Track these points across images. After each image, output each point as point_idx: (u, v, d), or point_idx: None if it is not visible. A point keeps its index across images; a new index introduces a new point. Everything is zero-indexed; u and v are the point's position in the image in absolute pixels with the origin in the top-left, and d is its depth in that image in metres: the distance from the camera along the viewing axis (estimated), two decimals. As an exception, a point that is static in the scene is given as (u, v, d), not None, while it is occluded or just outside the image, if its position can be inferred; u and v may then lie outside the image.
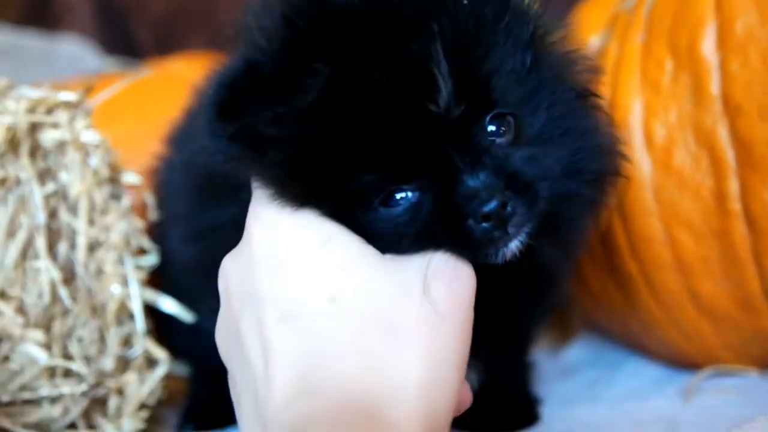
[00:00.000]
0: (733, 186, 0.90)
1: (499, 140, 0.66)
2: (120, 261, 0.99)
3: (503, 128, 0.66)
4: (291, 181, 0.65)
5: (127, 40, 2.08)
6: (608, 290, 1.08)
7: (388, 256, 0.64)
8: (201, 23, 1.96)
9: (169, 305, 1.01)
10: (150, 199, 1.04)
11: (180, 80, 1.14)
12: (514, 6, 0.68)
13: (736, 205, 0.90)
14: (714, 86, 0.90)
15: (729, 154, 0.90)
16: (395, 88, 0.61)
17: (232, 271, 0.67)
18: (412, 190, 0.65)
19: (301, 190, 0.65)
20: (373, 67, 0.61)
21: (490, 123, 0.66)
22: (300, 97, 0.61)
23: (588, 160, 0.71)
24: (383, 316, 0.60)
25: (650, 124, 0.96)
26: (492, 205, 0.62)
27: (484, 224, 0.62)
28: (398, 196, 0.65)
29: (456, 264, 0.65)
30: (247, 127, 0.63)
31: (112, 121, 1.12)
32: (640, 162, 0.96)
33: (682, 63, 0.94)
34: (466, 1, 0.64)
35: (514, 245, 0.65)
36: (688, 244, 0.95)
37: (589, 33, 1.11)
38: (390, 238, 0.65)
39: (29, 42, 1.75)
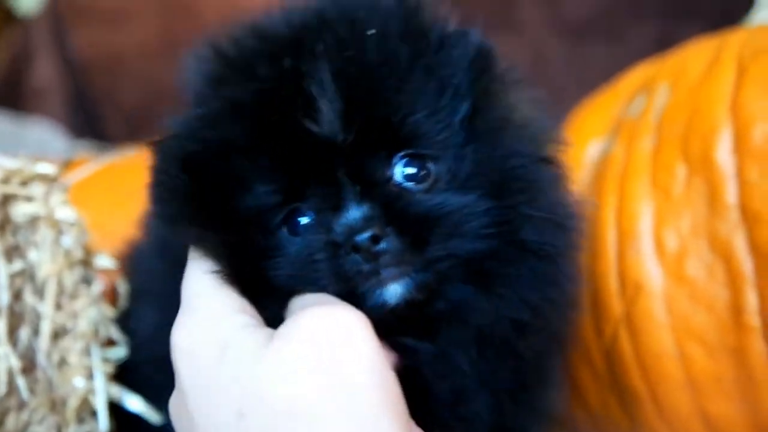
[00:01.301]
0: (751, 299, 0.85)
1: (411, 184, 0.65)
2: (86, 352, 0.90)
3: (423, 172, 0.65)
4: (193, 199, 0.66)
5: (98, 127, 2.03)
6: (609, 407, 1.01)
7: (283, 344, 0.59)
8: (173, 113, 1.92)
9: (135, 404, 0.92)
10: (123, 286, 0.96)
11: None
12: (442, 49, 0.66)
13: (753, 320, 0.85)
14: (730, 194, 0.87)
15: (746, 265, 0.85)
16: (269, 104, 0.61)
17: (173, 410, 0.66)
18: (308, 211, 0.65)
19: (203, 213, 0.66)
20: (254, 81, 0.63)
21: (408, 164, 0.65)
22: (206, 105, 0.65)
23: (522, 227, 0.66)
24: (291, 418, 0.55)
25: (661, 231, 0.92)
26: (363, 236, 0.60)
27: (354, 255, 0.61)
28: (302, 221, 0.65)
29: (334, 319, 0.59)
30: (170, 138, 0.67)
31: (83, 202, 1.04)
32: (650, 271, 0.92)
33: (695, 169, 0.90)
34: (372, 31, 0.63)
35: (394, 290, 0.62)
36: (700, 360, 0.89)
37: (589, 137, 1.09)
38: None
39: (-1, 123, 1.70)
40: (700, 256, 0.89)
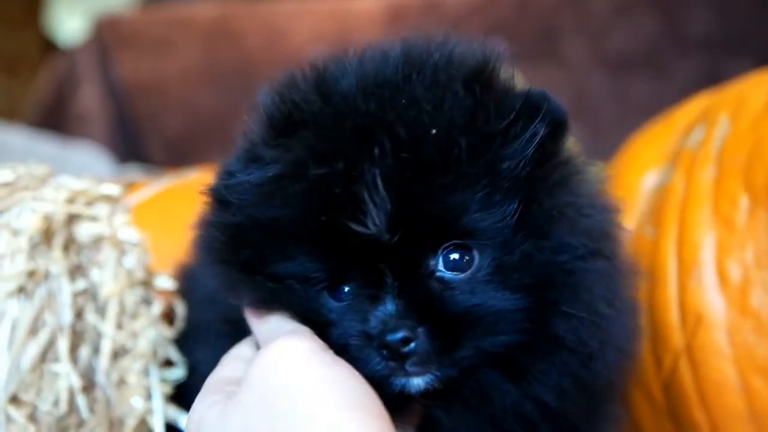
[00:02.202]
0: (818, 332, 0.84)
1: (452, 274, 0.63)
2: (145, 372, 0.90)
3: (466, 260, 0.63)
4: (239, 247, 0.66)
5: (141, 153, 2.06)
6: (667, 440, 1.00)
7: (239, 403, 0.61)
8: (214, 142, 1.94)
9: (190, 426, 0.92)
10: (180, 307, 0.96)
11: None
12: (506, 141, 0.62)
13: (820, 353, 0.84)
14: (795, 225, 0.86)
15: (814, 297, 0.84)
16: (318, 202, 0.61)
17: None
18: (348, 290, 0.65)
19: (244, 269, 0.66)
20: (305, 179, 0.61)
21: (451, 252, 0.63)
22: (258, 173, 0.64)
23: (558, 324, 0.64)
24: None
25: (724, 262, 0.91)
26: (394, 336, 0.60)
27: (383, 351, 0.61)
28: (346, 288, 0.65)
29: (272, 359, 0.61)
30: (218, 190, 0.68)
31: (141, 224, 1.05)
32: (713, 302, 0.91)
33: (758, 200, 0.90)
34: (434, 131, 0.60)
35: (416, 382, 0.62)
36: (764, 393, 0.88)
37: (645, 169, 1.09)
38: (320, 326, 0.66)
39: (43, 146, 1.72)
40: (765, 287, 0.88)
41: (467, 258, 0.63)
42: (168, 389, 0.91)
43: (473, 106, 0.62)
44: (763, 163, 0.91)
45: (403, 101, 0.62)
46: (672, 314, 0.95)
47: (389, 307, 0.62)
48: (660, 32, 1.86)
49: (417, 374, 0.62)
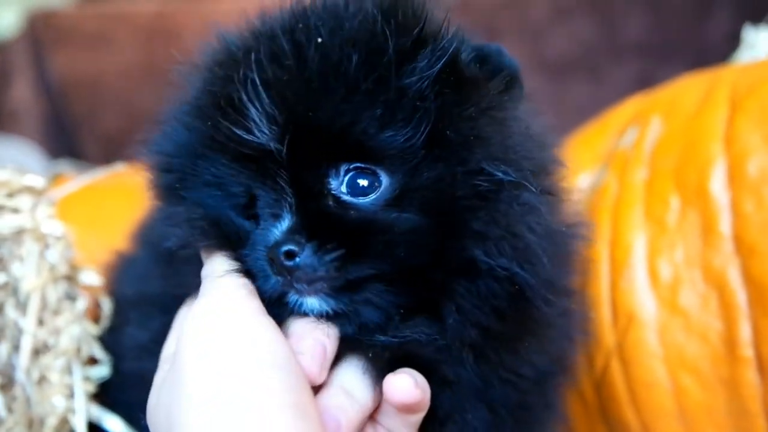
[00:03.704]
0: (745, 331, 0.85)
1: (354, 198, 0.63)
2: (68, 370, 0.87)
3: (367, 185, 0.63)
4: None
5: (75, 149, 2.01)
6: (598, 439, 1.00)
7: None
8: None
9: (114, 425, 0.89)
10: (107, 304, 0.93)
11: (128, 188, 1.07)
12: (406, 59, 0.62)
13: (747, 352, 0.85)
14: (724, 225, 0.87)
15: (740, 297, 0.85)
16: (212, 113, 0.63)
17: None
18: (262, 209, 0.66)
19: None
20: (206, 89, 0.65)
21: (355, 177, 0.63)
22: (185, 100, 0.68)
23: (475, 249, 0.61)
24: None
25: (654, 261, 0.92)
26: (279, 250, 0.61)
27: (274, 267, 0.62)
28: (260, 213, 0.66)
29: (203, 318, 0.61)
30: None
31: (66, 218, 1.02)
32: (643, 301, 0.92)
33: (689, 201, 0.91)
34: (319, 40, 0.62)
35: (310, 302, 0.63)
36: (693, 391, 0.89)
37: (580, 170, 1.09)
38: None
39: (-26, 142, 1.67)
40: (694, 286, 0.89)
41: (375, 183, 0.63)
42: (91, 387, 0.88)
43: (373, 24, 0.63)
44: (693, 164, 0.92)
45: (298, 20, 0.65)
46: (604, 313, 0.95)
47: (285, 223, 0.63)
48: (597, 37, 1.88)
49: (306, 293, 0.62)
